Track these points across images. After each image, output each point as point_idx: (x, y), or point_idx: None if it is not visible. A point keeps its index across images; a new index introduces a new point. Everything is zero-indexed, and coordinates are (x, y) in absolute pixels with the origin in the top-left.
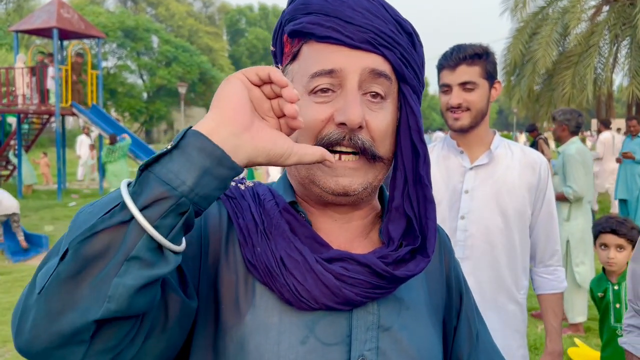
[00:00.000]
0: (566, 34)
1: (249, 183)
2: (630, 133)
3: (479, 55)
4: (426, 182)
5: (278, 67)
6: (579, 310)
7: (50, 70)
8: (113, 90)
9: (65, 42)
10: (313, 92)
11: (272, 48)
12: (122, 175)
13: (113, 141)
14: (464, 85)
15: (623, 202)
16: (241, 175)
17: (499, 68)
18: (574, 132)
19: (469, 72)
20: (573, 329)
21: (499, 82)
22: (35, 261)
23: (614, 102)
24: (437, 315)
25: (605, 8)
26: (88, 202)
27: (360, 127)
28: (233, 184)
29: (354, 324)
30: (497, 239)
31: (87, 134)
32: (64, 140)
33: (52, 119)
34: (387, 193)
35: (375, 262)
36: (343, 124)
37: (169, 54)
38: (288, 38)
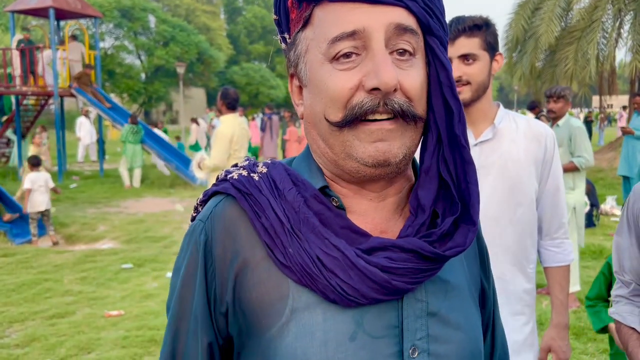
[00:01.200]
0: (569, 8)
1: (263, 168)
2: (637, 110)
3: (478, 27)
4: (463, 142)
5: (285, 37)
6: (573, 279)
7: (46, 56)
8: (111, 72)
9: (62, 23)
10: (335, 58)
11: (274, 17)
12: (138, 157)
13: (135, 121)
14: (463, 57)
15: (626, 179)
16: (252, 160)
17: (500, 44)
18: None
19: (468, 44)
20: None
21: (500, 54)
22: (38, 243)
23: (616, 78)
24: (476, 290)
25: None
26: (89, 183)
27: (395, 89)
28: (245, 172)
29: (404, 314)
30: (505, 216)
31: (87, 115)
32: (63, 122)
33: (51, 100)
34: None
35: (421, 245)
36: (376, 88)
37: (166, 33)
38: (294, 2)
